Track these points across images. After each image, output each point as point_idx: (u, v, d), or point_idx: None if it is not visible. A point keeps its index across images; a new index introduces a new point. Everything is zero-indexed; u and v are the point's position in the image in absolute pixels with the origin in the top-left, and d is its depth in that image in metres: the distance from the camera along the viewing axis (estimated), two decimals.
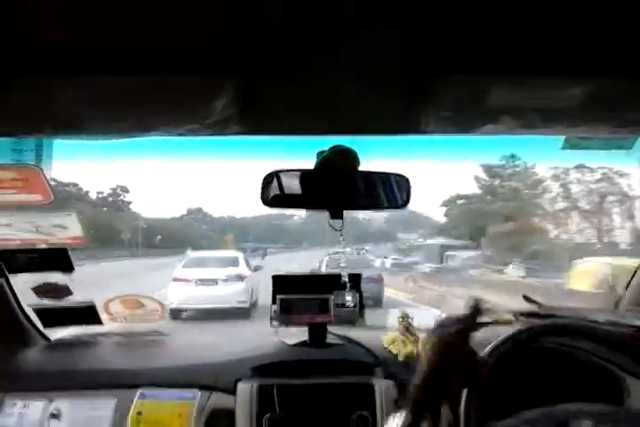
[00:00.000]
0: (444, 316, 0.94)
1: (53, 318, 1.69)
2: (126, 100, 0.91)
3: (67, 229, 1.70)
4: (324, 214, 1.34)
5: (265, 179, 1.31)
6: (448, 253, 19.19)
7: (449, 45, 0.80)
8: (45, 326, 1.69)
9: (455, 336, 0.86)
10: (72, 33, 0.73)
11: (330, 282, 1.58)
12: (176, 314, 8.46)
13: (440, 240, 22.47)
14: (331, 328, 1.61)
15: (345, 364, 1.49)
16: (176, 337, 1.87)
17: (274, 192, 1.31)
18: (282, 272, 1.74)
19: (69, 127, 1.04)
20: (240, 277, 9.79)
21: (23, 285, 1.68)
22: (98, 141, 1.20)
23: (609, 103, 0.98)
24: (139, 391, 1.45)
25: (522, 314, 1.62)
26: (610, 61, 0.83)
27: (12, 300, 1.63)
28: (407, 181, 1.35)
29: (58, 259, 1.62)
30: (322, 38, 0.78)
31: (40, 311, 1.67)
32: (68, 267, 1.64)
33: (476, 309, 0.88)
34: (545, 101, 0.97)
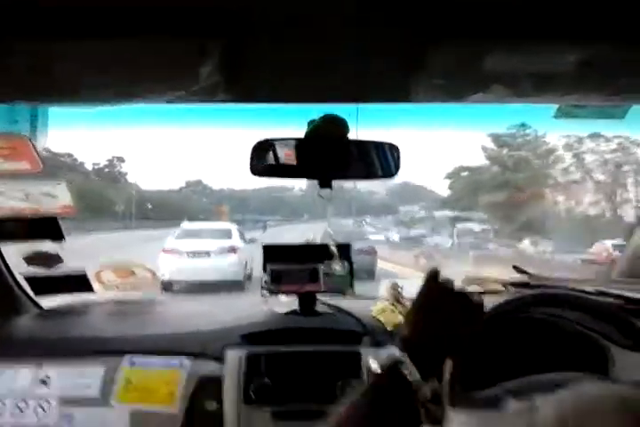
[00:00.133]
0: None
1: (45, 285, 1.75)
2: (111, 65, 0.92)
3: (56, 197, 1.74)
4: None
5: (254, 148, 1.33)
6: (458, 225, 18.86)
7: (441, 10, 0.81)
8: (37, 293, 1.74)
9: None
10: None
11: (320, 252, 1.63)
12: (167, 286, 8.42)
13: (449, 213, 22.13)
14: (322, 298, 1.67)
15: (334, 332, 1.55)
16: (167, 306, 1.93)
17: (263, 161, 1.33)
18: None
19: (56, 94, 1.05)
20: (233, 250, 9.81)
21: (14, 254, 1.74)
22: (94, 110, 1.21)
23: (602, 70, 0.99)
24: (127, 359, 1.50)
25: (512, 284, 1.69)
26: (604, 27, 0.84)
27: (3, 267, 1.67)
28: (397, 149, 1.36)
29: (48, 227, 1.68)
30: (312, 4, 0.79)
31: (32, 279, 1.73)
32: (58, 235, 1.69)
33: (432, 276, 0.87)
34: (538, 68, 0.98)
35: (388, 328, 1.53)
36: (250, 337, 1.54)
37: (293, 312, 1.64)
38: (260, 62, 1.01)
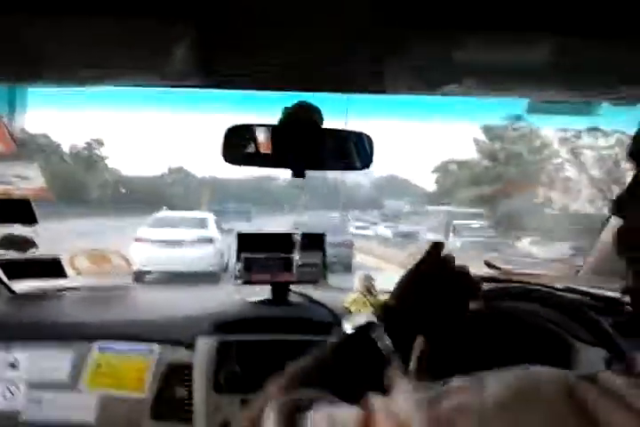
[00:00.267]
0: None
1: (17, 270, 1.78)
2: (84, 46, 0.94)
3: (28, 179, 1.78)
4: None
5: (226, 134, 1.32)
6: (456, 222, 18.46)
7: (413, 1, 0.83)
8: (10, 278, 1.77)
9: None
10: None
11: (294, 241, 1.70)
12: (139, 277, 8.18)
13: (446, 208, 21.65)
14: (295, 288, 1.73)
15: (305, 322, 1.59)
16: (139, 293, 1.97)
17: (234, 148, 1.33)
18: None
19: (29, 74, 1.08)
20: (209, 240, 9.59)
21: None
22: (71, 91, 1.24)
23: (573, 66, 1.04)
24: (97, 344, 1.54)
25: (482, 279, 1.75)
26: (579, 21, 0.87)
27: None
28: (370, 139, 1.37)
29: (20, 210, 1.70)
30: None
31: (4, 264, 1.75)
32: (30, 219, 1.72)
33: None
34: (509, 62, 1.03)
35: None
36: (222, 326, 1.57)
37: (266, 301, 1.69)
38: (233, 47, 1.01)
